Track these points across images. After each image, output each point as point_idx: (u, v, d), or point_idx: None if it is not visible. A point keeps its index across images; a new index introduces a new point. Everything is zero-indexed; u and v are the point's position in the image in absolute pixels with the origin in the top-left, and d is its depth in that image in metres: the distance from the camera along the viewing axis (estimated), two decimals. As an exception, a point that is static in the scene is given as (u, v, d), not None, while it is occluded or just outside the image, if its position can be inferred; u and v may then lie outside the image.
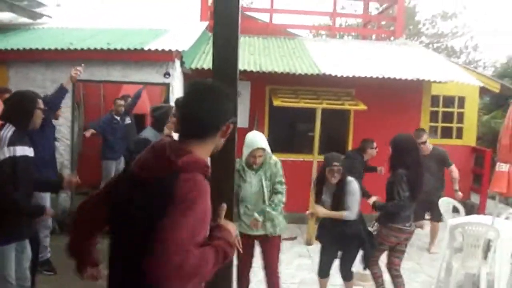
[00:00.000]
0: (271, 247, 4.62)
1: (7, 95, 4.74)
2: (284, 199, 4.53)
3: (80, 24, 9.14)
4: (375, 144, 7.02)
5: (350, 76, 7.50)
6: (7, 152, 3.40)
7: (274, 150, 7.96)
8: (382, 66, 8.06)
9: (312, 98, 8.05)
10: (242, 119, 8.54)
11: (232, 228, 1.99)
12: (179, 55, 7.06)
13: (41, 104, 3.82)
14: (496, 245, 5.30)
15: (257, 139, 4.43)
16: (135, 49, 6.74)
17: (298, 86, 8.36)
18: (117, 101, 8.12)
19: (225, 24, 2.98)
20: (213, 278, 1.82)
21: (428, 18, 24.48)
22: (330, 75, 7.50)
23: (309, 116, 8.14)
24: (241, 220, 4.49)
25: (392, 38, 10.59)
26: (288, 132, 8.95)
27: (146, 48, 6.78)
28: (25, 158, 3.58)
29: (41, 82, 7.11)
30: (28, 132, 3.75)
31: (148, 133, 5.03)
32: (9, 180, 3.41)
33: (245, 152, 4.40)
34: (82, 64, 5.85)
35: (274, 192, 4.51)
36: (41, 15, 9.49)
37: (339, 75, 7.50)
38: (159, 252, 1.61)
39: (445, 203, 6.58)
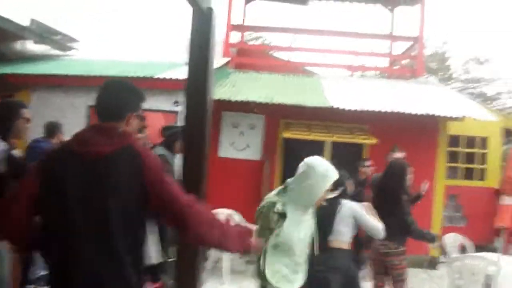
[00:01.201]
0: None
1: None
2: None
3: (104, 56, 9.53)
4: (368, 162, 7.12)
5: (359, 110, 7.54)
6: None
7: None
8: (396, 102, 8.06)
9: (324, 132, 8.11)
10: (255, 151, 8.63)
11: None
12: (191, 85, 7.25)
13: (24, 113, 3.66)
14: (497, 281, 5.12)
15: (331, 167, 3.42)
16: (146, 77, 6.98)
17: (312, 121, 8.43)
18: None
19: (198, 50, 3.29)
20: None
21: (461, 63, 24.34)
22: (338, 108, 7.56)
23: (322, 151, 8.20)
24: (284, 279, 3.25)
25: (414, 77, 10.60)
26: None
27: (156, 77, 7.02)
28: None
29: (59, 106, 7.44)
30: None
31: (161, 151, 5.22)
32: None
33: (322, 185, 3.28)
34: None
35: None
36: (70, 48, 10.02)
37: (347, 108, 7.55)
38: (186, 206, 2.19)
39: (451, 239, 6.43)
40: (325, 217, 4.12)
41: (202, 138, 3.38)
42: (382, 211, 4.75)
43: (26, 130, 3.74)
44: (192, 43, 3.34)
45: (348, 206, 4.47)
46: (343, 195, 4.47)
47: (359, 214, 4.43)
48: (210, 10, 3.34)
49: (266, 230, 3.15)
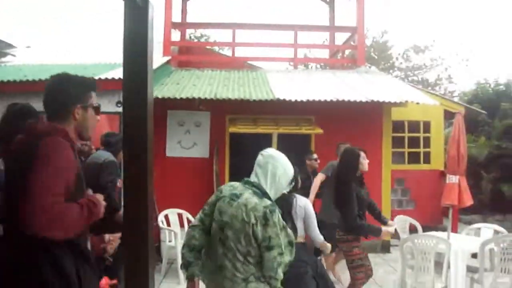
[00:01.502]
0: None
1: None
2: None
3: (41, 61, 9.19)
4: (314, 156, 7.28)
5: (304, 100, 7.54)
6: None
7: (235, 179, 7.91)
8: (339, 92, 8.13)
9: (271, 125, 8.10)
10: (203, 149, 8.54)
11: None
12: (130, 85, 7.08)
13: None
14: (449, 258, 5.22)
15: None
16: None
17: (258, 115, 8.41)
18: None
19: (133, 47, 3.12)
20: None
21: (401, 52, 24.95)
22: (284, 100, 7.54)
23: (270, 144, 8.17)
24: None
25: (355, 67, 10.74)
26: (249, 160, 8.91)
27: (96, 78, 6.80)
28: None
29: (-1, 114, 7.10)
30: None
31: (111, 157, 5.03)
32: None
33: (288, 176, 3.07)
34: None
35: None
36: (5, 54, 9.66)
37: (293, 99, 7.55)
38: (27, 198, 1.91)
39: (401, 221, 6.53)
40: (284, 214, 4.06)
41: (144, 140, 3.22)
42: (334, 200, 4.81)
43: None
44: (126, 40, 3.19)
45: (303, 203, 4.52)
46: (295, 190, 4.45)
47: (310, 213, 4.49)
48: (145, 2, 3.20)
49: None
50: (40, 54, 10.45)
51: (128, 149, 3.15)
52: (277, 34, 15.05)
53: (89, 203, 2.15)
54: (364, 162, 5.02)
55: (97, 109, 2.37)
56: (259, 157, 3.09)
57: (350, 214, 4.73)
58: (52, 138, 2.12)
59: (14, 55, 9.88)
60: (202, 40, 21.37)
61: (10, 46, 11.33)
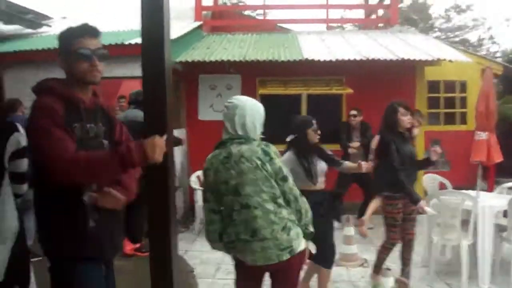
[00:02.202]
0: None
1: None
2: None
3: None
4: (353, 112, 7.60)
5: (333, 60, 7.50)
6: None
7: (267, 140, 8.00)
8: (369, 51, 8.02)
9: (300, 86, 8.12)
10: (234, 112, 8.61)
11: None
12: (161, 49, 7.18)
13: None
14: (476, 215, 5.18)
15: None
16: (116, 44, 6.90)
17: (288, 77, 8.42)
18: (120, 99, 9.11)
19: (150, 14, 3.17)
20: None
21: (441, 12, 24.22)
22: (312, 60, 7.52)
23: (299, 104, 8.23)
24: None
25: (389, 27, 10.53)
26: (280, 122, 8.94)
27: (126, 43, 6.93)
28: None
29: (33, 82, 7.34)
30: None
31: (136, 113, 5.21)
32: None
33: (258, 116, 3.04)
34: None
35: None
36: (42, 25, 9.87)
37: (321, 59, 7.52)
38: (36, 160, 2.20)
39: (430, 180, 6.49)
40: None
41: (162, 104, 3.27)
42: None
43: None
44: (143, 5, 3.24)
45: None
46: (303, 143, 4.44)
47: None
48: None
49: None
50: (76, 24, 10.64)
51: (148, 110, 3.26)
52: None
53: (122, 150, 2.12)
54: (403, 119, 4.69)
55: (80, 55, 2.29)
56: (224, 111, 3.04)
57: (388, 168, 4.65)
58: (37, 100, 2.28)
59: (49, 26, 10.08)
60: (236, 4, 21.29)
61: (46, 17, 11.59)
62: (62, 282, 2.25)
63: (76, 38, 2.30)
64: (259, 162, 2.76)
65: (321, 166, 4.41)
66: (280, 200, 2.79)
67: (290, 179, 2.83)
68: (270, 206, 2.75)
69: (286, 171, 2.83)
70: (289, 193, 2.81)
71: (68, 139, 2.12)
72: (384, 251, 4.89)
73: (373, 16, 11.83)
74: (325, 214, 4.19)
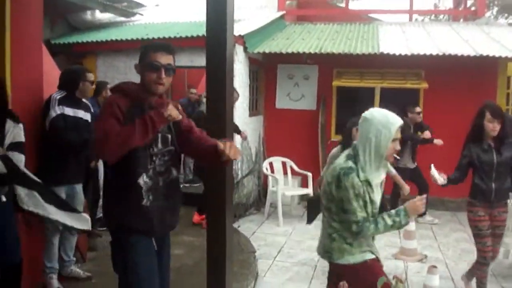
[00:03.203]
0: None
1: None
2: None
3: (163, 19, 9.99)
4: (417, 109, 7.37)
5: (409, 54, 7.52)
6: (58, 110, 4.15)
7: (340, 131, 8.29)
8: (450, 45, 7.94)
9: (376, 78, 8.22)
10: (310, 101, 8.89)
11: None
12: (241, 40, 7.55)
13: (89, 77, 4.46)
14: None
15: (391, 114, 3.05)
16: (198, 36, 7.35)
17: (365, 69, 8.52)
18: (191, 89, 9.38)
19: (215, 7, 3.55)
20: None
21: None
22: (388, 54, 7.58)
23: (373, 97, 8.35)
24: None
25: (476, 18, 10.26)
26: (355, 114, 9.06)
27: (195, 35, 7.44)
28: (76, 119, 4.31)
29: (123, 69, 8.06)
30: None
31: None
32: (62, 130, 4.16)
33: (385, 135, 2.93)
34: None
35: None
36: (134, 14, 10.56)
37: (397, 53, 7.56)
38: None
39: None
40: None
41: (223, 95, 3.61)
42: None
43: (90, 90, 4.65)
44: (208, 5, 3.61)
45: None
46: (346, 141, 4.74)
47: None
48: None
49: (361, 201, 2.96)
50: (168, 12, 11.21)
51: (210, 99, 3.64)
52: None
53: (146, 118, 2.51)
54: (489, 125, 4.28)
55: (151, 66, 2.69)
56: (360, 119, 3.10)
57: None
58: (109, 96, 2.83)
59: (142, 14, 10.72)
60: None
61: (140, 5, 12.29)
62: (118, 250, 2.75)
63: (153, 51, 2.72)
64: (329, 180, 3.06)
65: None
66: (334, 216, 3.08)
67: (353, 217, 2.94)
68: (325, 212, 3.17)
69: (348, 207, 2.95)
70: (347, 223, 3.00)
71: (115, 124, 2.54)
72: (476, 267, 4.56)
73: (461, 8, 11.52)
74: None
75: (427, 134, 7.17)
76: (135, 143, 2.49)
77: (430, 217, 7.41)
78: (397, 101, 8.54)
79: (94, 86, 5.24)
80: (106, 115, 2.58)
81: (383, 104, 8.36)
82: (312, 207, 4.91)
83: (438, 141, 7.07)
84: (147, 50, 2.74)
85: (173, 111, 2.58)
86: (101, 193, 4.66)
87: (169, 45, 2.82)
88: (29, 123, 4.06)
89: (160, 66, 2.69)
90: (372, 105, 8.32)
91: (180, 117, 2.71)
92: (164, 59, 2.72)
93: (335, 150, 5.07)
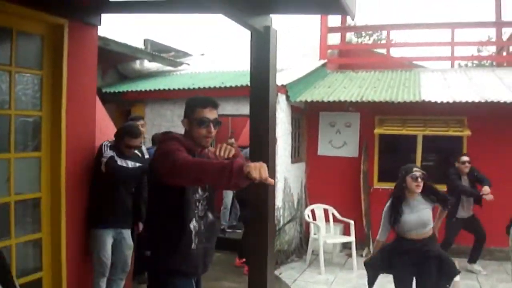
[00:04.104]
0: None
1: (142, 122, 6.02)
2: None
3: (209, 69, 10.36)
4: (464, 158, 7.21)
5: (451, 101, 7.51)
6: (110, 153, 4.38)
7: (383, 179, 8.28)
8: (492, 92, 7.89)
9: (419, 125, 8.22)
10: (352, 149, 8.93)
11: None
12: (284, 89, 7.74)
13: (130, 141, 4.53)
14: None
15: None
16: (242, 86, 7.60)
17: (407, 116, 8.54)
18: (229, 139, 9.39)
19: (258, 63, 3.77)
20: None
21: None
22: (430, 101, 7.60)
23: (415, 144, 8.33)
24: None
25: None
26: (396, 160, 9.01)
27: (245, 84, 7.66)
28: (124, 168, 4.44)
29: (170, 117, 8.42)
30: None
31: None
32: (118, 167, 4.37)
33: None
34: None
35: None
36: (181, 63, 11.02)
37: (438, 101, 7.56)
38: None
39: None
40: None
41: (266, 142, 3.76)
42: None
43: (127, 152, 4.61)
44: (252, 58, 3.82)
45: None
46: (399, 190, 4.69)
47: None
48: (267, 28, 3.80)
49: None
50: (213, 61, 11.62)
51: (254, 144, 3.79)
52: (437, 32, 14.62)
53: (231, 163, 2.32)
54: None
55: (201, 122, 2.85)
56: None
57: None
58: (164, 142, 2.82)
59: (188, 64, 11.19)
60: (364, 41, 21.48)
61: (186, 54, 12.88)
62: None
63: (200, 107, 2.89)
64: None
65: (422, 214, 4.49)
66: None
67: None
68: None
69: None
70: None
71: (188, 155, 2.64)
72: None
73: (504, 53, 11.43)
74: (408, 263, 4.36)
75: (486, 190, 6.70)
76: (207, 179, 2.51)
77: (479, 267, 7.21)
78: (441, 147, 8.59)
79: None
80: (176, 147, 2.66)
81: (429, 152, 8.39)
82: (370, 270, 4.47)
83: (488, 197, 6.69)
84: (195, 106, 2.90)
85: (255, 171, 2.24)
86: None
87: (214, 100, 2.98)
88: (82, 169, 4.30)
89: (209, 121, 2.87)
90: (414, 152, 8.32)
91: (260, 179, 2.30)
92: (212, 114, 2.89)
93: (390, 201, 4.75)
